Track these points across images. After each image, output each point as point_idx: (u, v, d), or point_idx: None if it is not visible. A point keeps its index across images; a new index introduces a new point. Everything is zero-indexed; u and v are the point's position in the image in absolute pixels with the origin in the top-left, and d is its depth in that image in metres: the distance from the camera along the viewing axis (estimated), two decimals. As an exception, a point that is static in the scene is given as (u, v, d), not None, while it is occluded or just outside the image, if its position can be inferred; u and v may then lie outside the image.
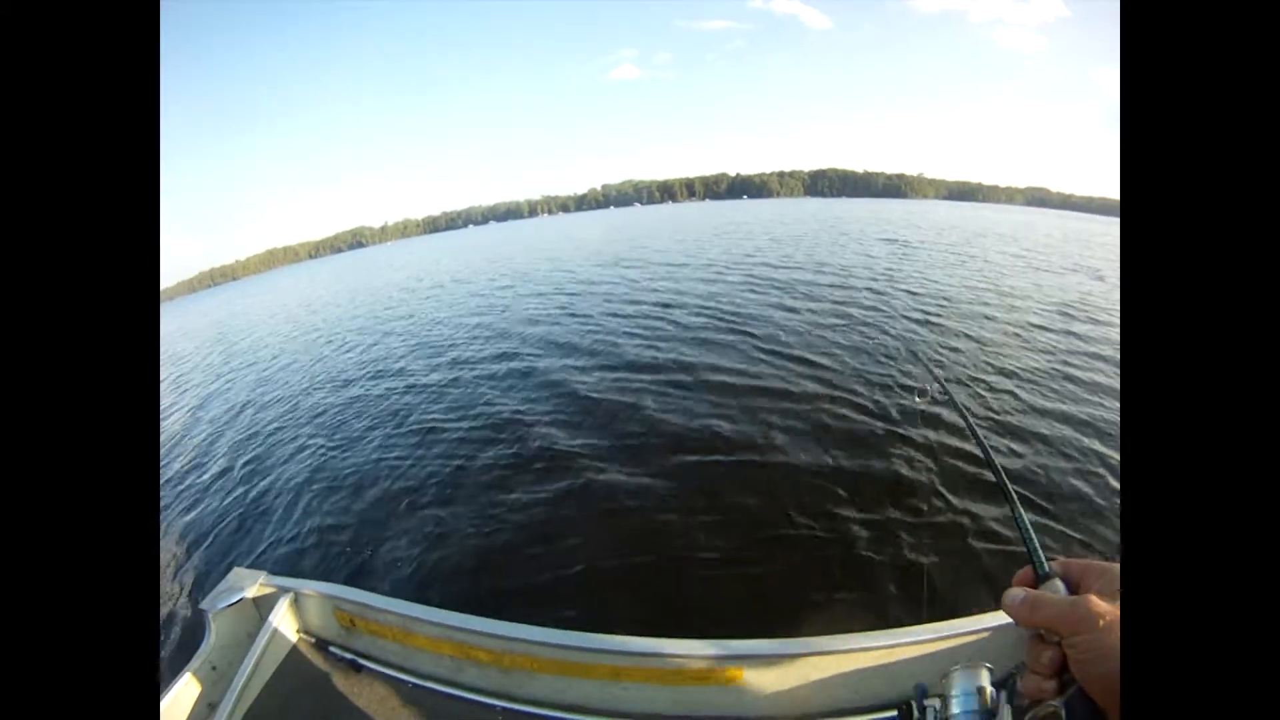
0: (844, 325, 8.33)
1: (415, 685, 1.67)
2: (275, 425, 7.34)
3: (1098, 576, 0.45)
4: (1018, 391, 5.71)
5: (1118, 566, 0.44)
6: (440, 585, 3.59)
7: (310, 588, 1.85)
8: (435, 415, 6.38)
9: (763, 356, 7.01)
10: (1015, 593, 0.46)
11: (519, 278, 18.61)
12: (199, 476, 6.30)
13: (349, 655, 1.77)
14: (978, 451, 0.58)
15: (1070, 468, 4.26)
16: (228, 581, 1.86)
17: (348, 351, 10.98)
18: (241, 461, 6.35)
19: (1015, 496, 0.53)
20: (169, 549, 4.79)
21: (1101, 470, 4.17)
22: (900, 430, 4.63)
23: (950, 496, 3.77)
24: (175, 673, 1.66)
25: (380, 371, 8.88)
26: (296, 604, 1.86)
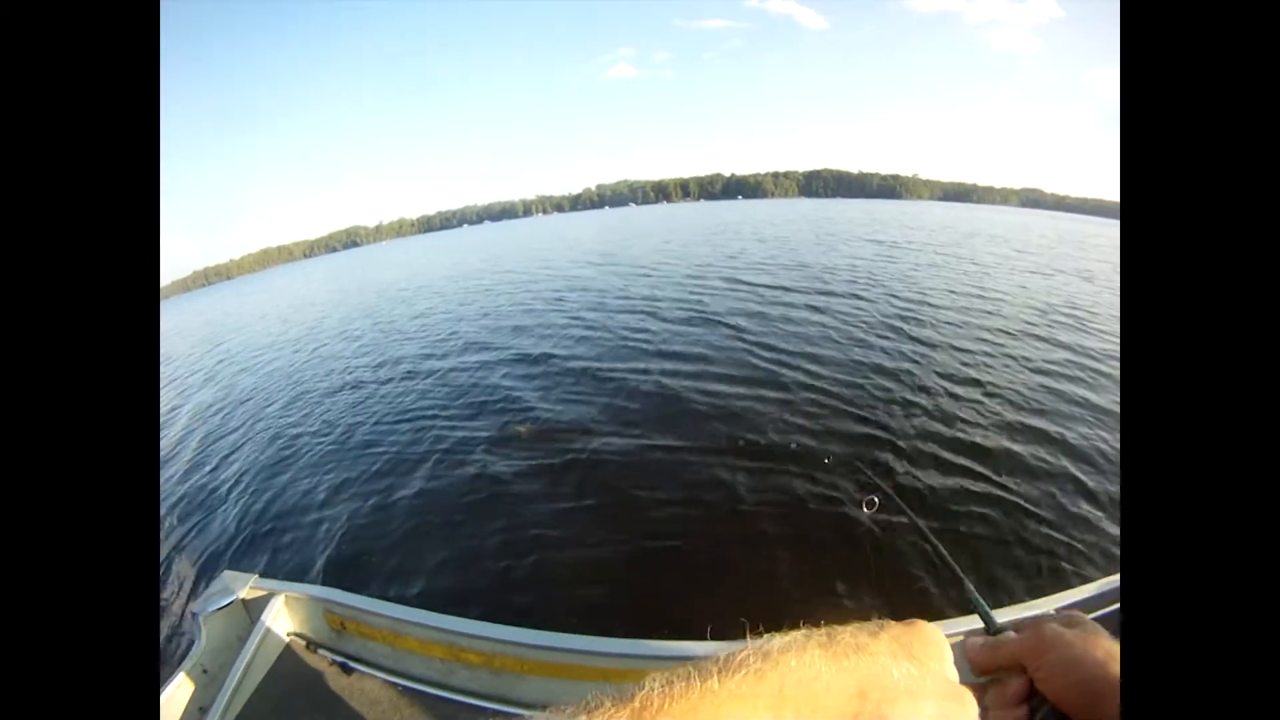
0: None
1: (406, 687, 1.67)
2: (266, 427, 7.31)
3: (1044, 620, 0.47)
4: (986, 401, 5.68)
5: (1058, 614, 0.47)
6: (434, 582, 3.58)
7: (301, 590, 1.85)
8: (439, 417, 6.38)
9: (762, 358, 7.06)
10: (975, 641, 0.47)
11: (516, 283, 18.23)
12: (196, 479, 6.26)
13: (340, 658, 1.77)
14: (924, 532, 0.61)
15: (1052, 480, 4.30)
16: (218, 584, 1.85)
17: (360, 355, 10.75)
18: (238, 465, 6.32)
19: (961, 573, 0.56)
20: (162, 552, 4.76)
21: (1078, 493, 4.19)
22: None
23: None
24: (167, 676, 1.65)
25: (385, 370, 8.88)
26: (287, 606, 1.86)
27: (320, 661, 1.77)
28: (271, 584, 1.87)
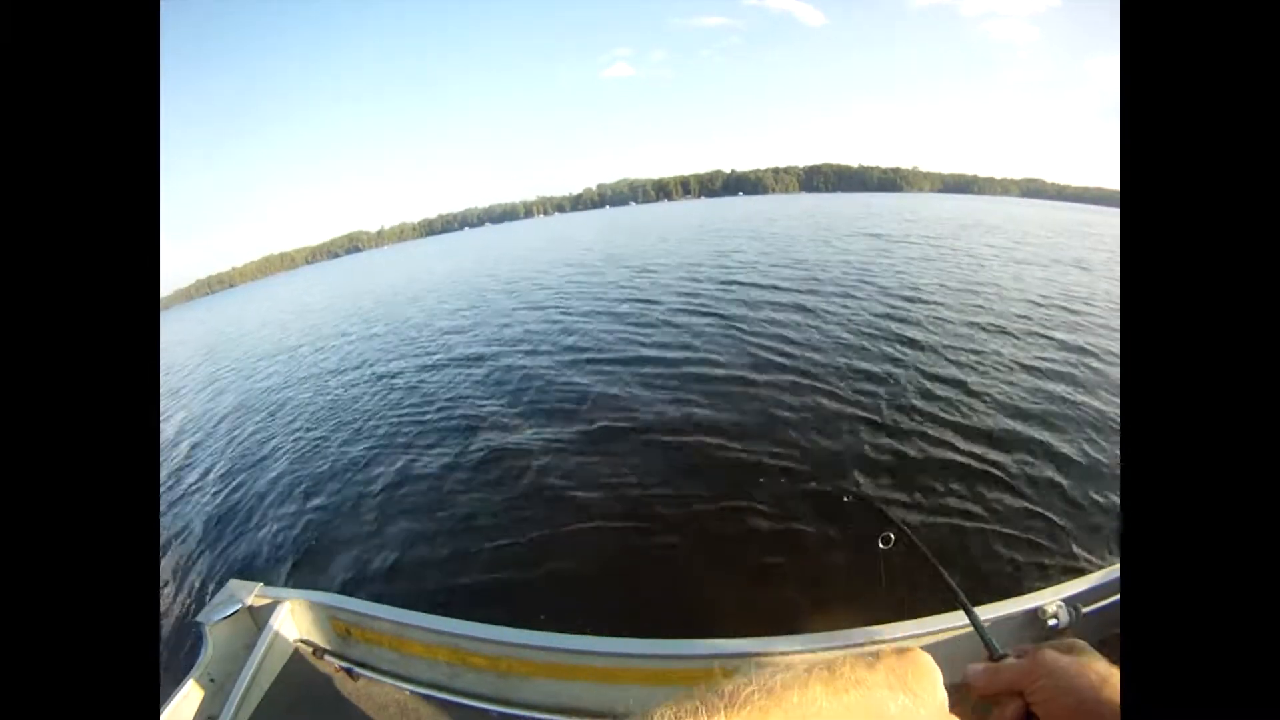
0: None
1: (412, 692, 1.67)
2: (267, 433, 7.34)
3: (1043, 647, 0.49)
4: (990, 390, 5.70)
5: (1058, 642, 0.49)
6: (438, 582, 3.62)
7: (306, 597, 1.85)
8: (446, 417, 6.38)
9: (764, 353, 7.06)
10: (976, 667, 0.50)
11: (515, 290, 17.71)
12: (193, 485, 6.29)
13: (346, 664, 1.77)
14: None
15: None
16: (224, 593, 1.85)
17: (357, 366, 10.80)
18: (233, 470, 6.34)
19: (967, 601, 0.63)
20: (163, 560, 4.78)
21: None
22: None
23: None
24: (173, 685, 1.65)
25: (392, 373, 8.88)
26: (293, 613, 1.86)
27: (326, 667, 1.77)
28: (276, 591, 1.87)
